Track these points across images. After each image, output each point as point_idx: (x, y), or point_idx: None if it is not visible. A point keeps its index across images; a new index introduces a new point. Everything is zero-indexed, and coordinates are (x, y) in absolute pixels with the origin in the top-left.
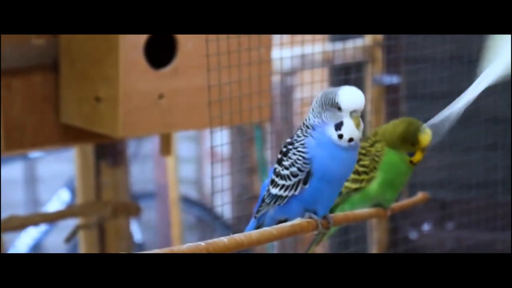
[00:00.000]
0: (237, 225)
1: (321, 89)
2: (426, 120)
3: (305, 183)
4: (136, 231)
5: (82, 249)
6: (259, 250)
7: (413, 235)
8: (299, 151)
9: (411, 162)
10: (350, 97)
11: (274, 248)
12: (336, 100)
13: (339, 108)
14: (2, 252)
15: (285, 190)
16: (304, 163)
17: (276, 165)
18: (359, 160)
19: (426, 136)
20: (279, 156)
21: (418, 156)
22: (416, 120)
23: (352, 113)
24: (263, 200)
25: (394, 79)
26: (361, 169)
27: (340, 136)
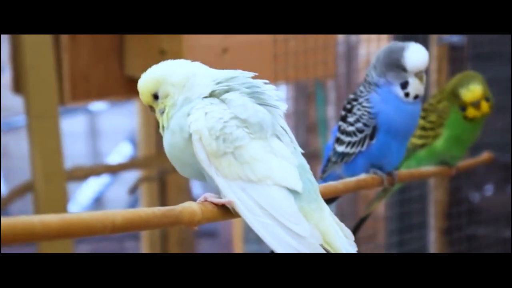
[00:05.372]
0: None
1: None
2: (489, 79)
3: (371, 138)
4: (196, 185)
5: (143, 202)
6: None
7: (474, 196)
8: (363, 106)
9: (464, 117)
10: (415, 58)
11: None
12: (401, 62)
13: (404, 70)
14: (67, 201)
15: (351, 147)
16: (370, 118)
17: (340, 122)
18: (426, 116)
19: (468, 92)
20: (343, 113)
21: (470, 112)
22: (476, 75)
23: (417, 73)
24: (328, 160)
25: (459, 38)
26: (427, 125)
27: (407, 94)
